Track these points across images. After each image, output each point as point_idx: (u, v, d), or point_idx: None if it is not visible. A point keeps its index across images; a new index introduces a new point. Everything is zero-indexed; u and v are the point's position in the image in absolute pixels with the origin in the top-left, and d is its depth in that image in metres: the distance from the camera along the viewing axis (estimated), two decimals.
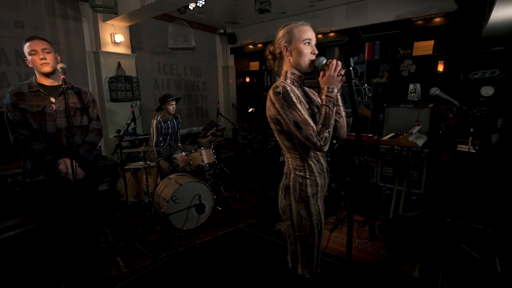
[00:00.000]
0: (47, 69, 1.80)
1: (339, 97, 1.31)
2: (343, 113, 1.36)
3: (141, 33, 4.65)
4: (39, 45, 1.77)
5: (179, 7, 3.95)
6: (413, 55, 4.13)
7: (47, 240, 1.99)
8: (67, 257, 2.02)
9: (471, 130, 2.32)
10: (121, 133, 2.74)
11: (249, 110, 4.84)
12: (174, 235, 2.70)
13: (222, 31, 6.00)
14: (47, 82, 1.86)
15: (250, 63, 6.26)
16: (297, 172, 1.27)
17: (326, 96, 1.19)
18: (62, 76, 1.72)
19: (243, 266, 2.28)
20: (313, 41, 1.28)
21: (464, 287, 1.96)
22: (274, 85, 1.24)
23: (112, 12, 3.54)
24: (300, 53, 1.25)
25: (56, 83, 1.89)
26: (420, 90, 3.78)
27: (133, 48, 4.42)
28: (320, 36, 4.87)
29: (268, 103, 1.26)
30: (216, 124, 4.36)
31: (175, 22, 4.36)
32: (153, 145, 3.29)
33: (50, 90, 1.85)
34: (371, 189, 3.63)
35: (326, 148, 1.19)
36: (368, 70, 4.57)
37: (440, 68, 3.94)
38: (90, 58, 4.10)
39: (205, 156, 3.34)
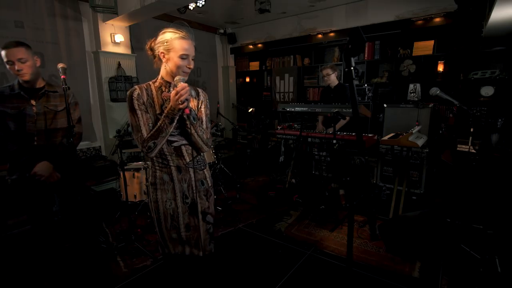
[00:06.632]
0: (25, 78, 1.77)
1: (189, 117, 1.36)
2: (193, 133, 1.40)
3: (141, 33, 4.66)
4: (15, 55, 1.72)
5: (179, 7, 3.95)
6: (413, 55, 4.13)
7: (39, 240, 1.99)
8: (62, 257, 2.02)
9: (471, 130, 2.32)
10: (121, 133, 2.74)
11: (249, 110, 4.84)
12: None
13: (222, 31, 6.00)
14: (28, 85, 1.84)
15: (250, 63, 6.26)
16: (148, 161, 1.46)
17: (167, 112, 1.29)
18: (62, 76, 1.74)
19: (243, 266, 2.28)
20: (191, 56, 1.36)
21: (464, 287, 1.96)
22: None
23: (112, 12, 3.55)
24: (175, 66, 1.33)
25: (37, 86, 1.87)
26: (420, 90, 3.78)
27: (133, 48, 4.42)
28: (320, 36, 4.87)
29: None
30: (216, 124, 4.36)
31: (175, 22, 4.34)
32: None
33: (32, 92, 1.84)
34: (372, 189, 3.64)
35: (151, 155, 1.34)
36: (368, 70, 4.57)
37: (440, 68, 3.94)
38: (90, 58, 4.10)
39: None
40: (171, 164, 1.42)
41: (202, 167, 1.52)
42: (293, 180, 3.94)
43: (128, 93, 1.33)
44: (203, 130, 1.42)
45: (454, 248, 2.31)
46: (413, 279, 2.05)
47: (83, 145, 4.11)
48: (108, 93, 4.10)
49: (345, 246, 2.16)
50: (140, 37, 4.64)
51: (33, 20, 3.49)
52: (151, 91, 1.37)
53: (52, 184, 1.85)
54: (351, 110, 2.79)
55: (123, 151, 2.90)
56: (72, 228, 2.16)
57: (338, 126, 3.40)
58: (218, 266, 2.27)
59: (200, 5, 3.81)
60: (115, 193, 3.25)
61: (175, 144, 1.41)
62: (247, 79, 6.43)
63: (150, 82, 1.40)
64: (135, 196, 3.09)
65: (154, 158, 1.41)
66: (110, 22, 3.95)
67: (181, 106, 1.27)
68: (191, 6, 3.88)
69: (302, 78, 5.38)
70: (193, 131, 1.39)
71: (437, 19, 3.78)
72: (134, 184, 3.08)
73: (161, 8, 3.52)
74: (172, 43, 1.32)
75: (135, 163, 3.33)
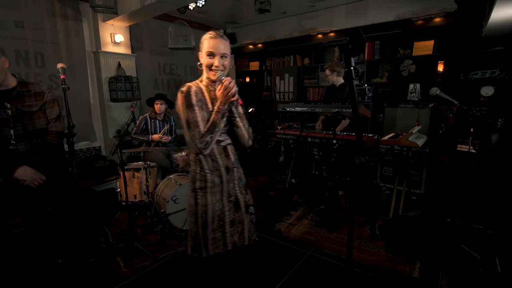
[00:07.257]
0: None
1: (236, 110, 1.43)
2: (241, 125, 1.46)
3: (141, 33, 4.65)
4: None
5: (179, 7, 3.95)
6: (413, 55, 4.13)
7: (35, 241, 1.99)
8: (62, 257, 2.01)
9: (471, 130, 2.32)
10: (121, 133, 2.74)
11: (249, 110, 4.83)
12: (174, 235, 2.70)
13: (222, 31, 6.00)
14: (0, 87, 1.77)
15: (250, 63, 6.26)
16: (193, 166, 1.41)
17: (218, 107, 1.34)
18: (62, 76, 1.74)
19: (243, 266, 2.28)
20: (219, 54, 1.35)
21: (464, 287, 1.96)
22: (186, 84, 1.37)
23: (112, 12, 3.55)
24: (203, 64, 1.39)
25: (9, 87, 1.80)
26: (420, 90, 3.78)
27: (133, 48, 4.42)
28: (320, 36, 4.87)
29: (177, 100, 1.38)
30: None
31: (175, 22, 4.36)
32: (132, 133, 3.46)
33: (4, 94, 1.76)
34: (372, 189, 3.64)
35: (206, 151, 1.34)
36: (368, 70, 4.56)
37: (440, 68, 3.93)
38: (90, 58, 4.10)
39: None
40: (221, 165, 1.44)
41: (239, 165, 1.58)
42: (293, 180, 3.94)
43: (183, 89, 1.33)
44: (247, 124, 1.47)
45: (454, 248, 2.31)
46: (413, 279, 2.05)
47: (83, 145, 4.12)
48: (108, 93, 4.10)
49: (345, 246, 2.16)
50: (140, 37, 4.63)
51: (33, 20, 3.49)
52: (201, 89, 1.40)
53: (40, 186, 1.81)
54: (351, 110, 2.78)
55: (123, 151, 2.90)
56: (69, 228, 2.15)
57: (339, 128, 3.36)
58: (217, 266, 2.27)
59: (200, 5, 3.81)
60: (115, 193, 3.26)
61: (222, 144, 1.45)
62: (247, 79, 6.43)
63: (197, 81, 1.43)
64: (135, 196, 3.09)
65: (204, 162, 1.39)
66: (110, 22, 3.95)
67: (233, 99, 1.32)
68: (191, 6, 3.88)
69: (302, 78, 5.38)
70: (240, 124, 1.45)
71: (437, 19, 3.78)
72: (134, 184, 3.08)
73: (161, 8, 3.53)
74: (203, 43, 1.38)
75: (135, 163, 3.33)
